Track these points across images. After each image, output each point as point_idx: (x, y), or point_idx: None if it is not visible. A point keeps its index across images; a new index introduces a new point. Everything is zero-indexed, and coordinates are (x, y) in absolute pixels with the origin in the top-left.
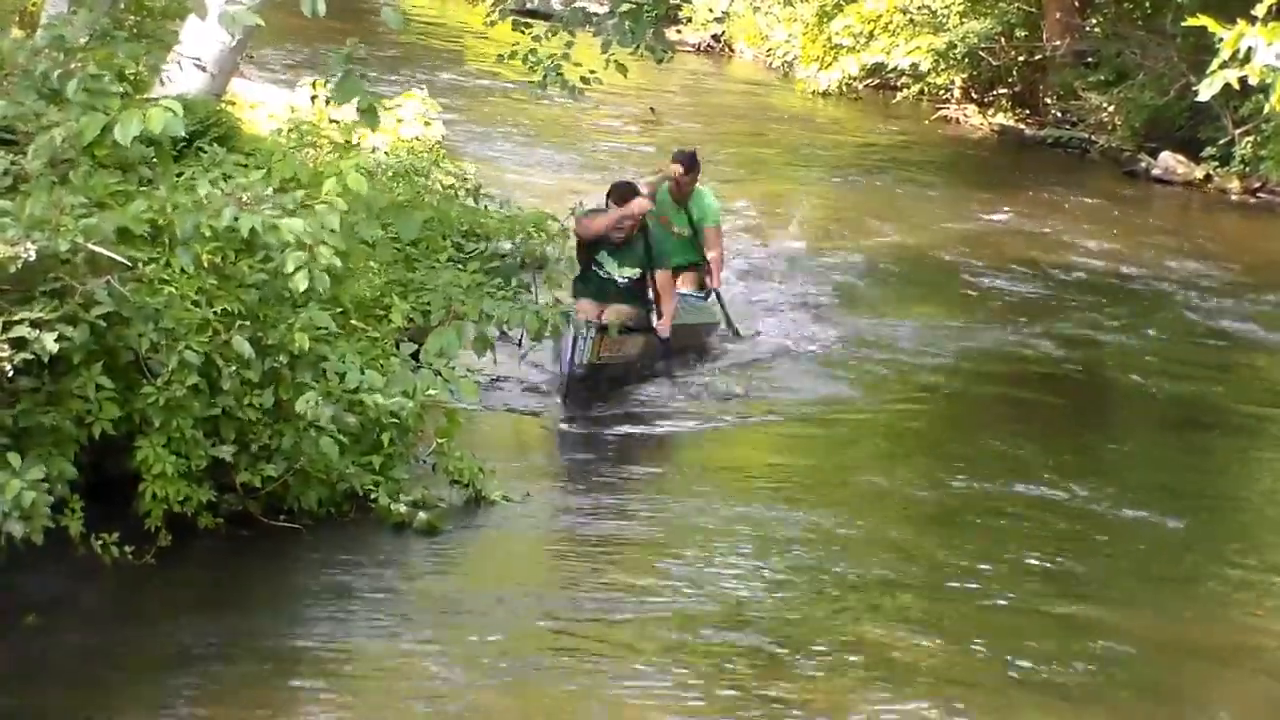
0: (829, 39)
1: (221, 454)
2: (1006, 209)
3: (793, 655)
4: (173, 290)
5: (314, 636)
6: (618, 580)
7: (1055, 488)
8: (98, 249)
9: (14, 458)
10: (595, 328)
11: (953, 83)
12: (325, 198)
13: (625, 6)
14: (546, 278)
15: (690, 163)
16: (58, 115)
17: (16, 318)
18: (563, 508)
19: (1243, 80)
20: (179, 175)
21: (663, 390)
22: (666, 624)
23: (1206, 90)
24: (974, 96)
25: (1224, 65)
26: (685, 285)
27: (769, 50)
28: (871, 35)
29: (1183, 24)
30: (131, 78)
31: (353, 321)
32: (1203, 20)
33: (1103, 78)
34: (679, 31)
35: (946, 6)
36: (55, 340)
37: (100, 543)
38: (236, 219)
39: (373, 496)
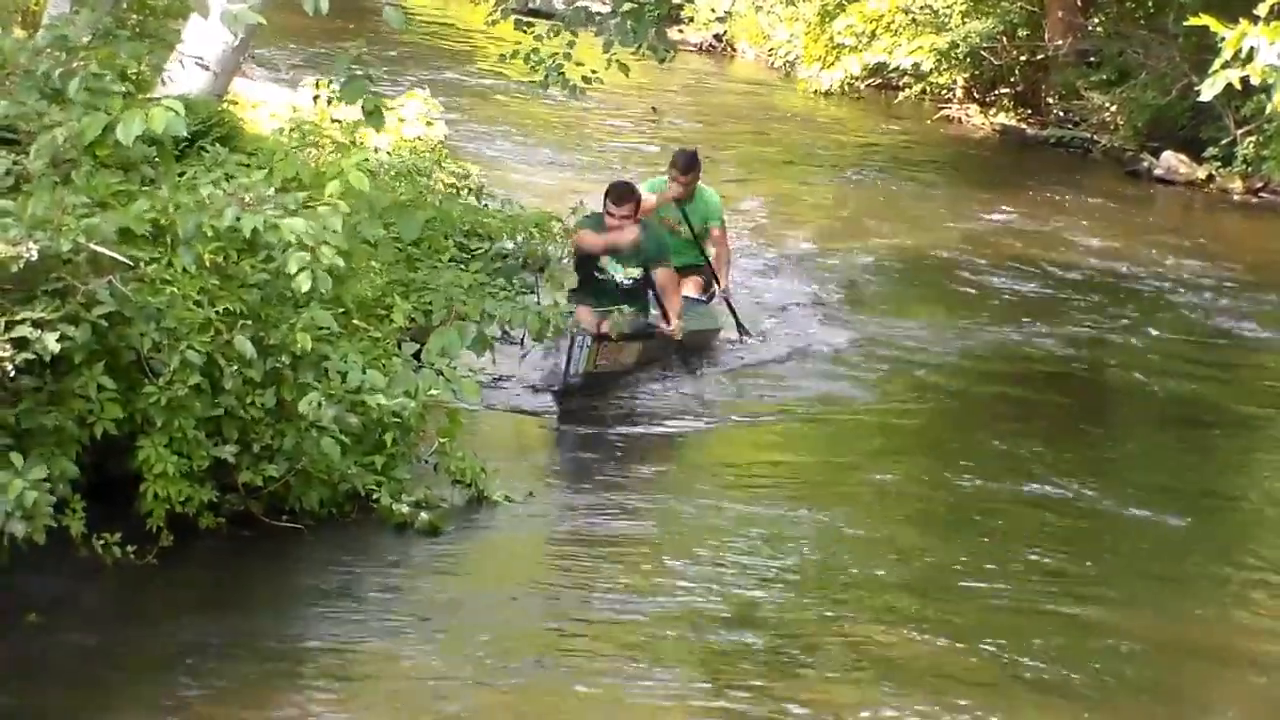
0: (831, 39)
1: (223, 454)
2: (1008, 209)
3: (797, 655)
4: (175, 290)
5: (316, 637)
6: (620, 580)
7: (1058, 487)
8: (100, 249)
9: (16, 457)
10: (592, 337)
11: (955, 82)
12: (328, 198)
13: (627, 6)
14: (548, 277)
15: (691, 162)
16: (60, 115)
17: (18, 317)
18: (565, 508)
19: (1245, 80)
20: (181, 175)
21: (665, 389)
22: (670, 624)
23: (1208, 90)
24: (976, 96)
25: (1226, 65)
26: (688, 289)
27: (771, 50)
28: (873, 35)
29: (1185, 24)
30: (134, 77)
31: (355, 321)
32: (1205, 20)
33: (1105, 77)
34: (681, 31)
35: (948, 6)
36: (57, 340)
37: (102, 543)
38: (239, 219)
39: (375, 497)
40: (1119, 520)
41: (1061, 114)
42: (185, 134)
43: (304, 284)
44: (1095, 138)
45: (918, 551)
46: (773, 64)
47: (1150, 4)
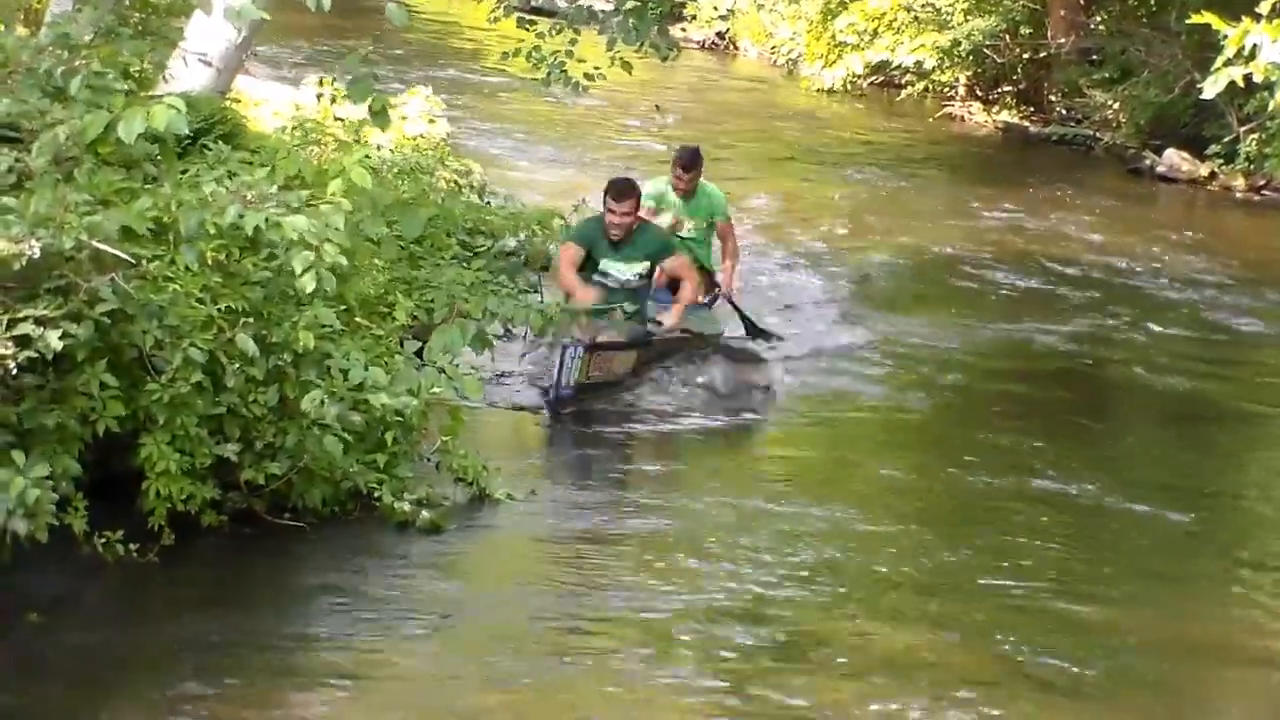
0: (833, 36)
1: (225, 452)
2: (1011, 206)
3: (802, 651)
4: (177, 288)
5: (318, 635)
6: (624, 578)
7: (1063, 484)
8: (102, 246)
9: (18, 455)
10: (584, 347)
11: (957, 80)
12: (330, 196)
13: (630, 4)
14: (551, 275)
15: (693, 159)
16: (62, 113)
17: (21, 315)
18: (568, 505)
19: (1247, 78)
20: (183, 173)
21: (668, 386)
22: (676, 621)
23: (1211, 88)
24: (979, 94)
25: (1228, 62)
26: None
27: (773, 48)
28: (876, 33)
29: (1187, 21)
30: (136, 75)
31: (357, 319)
32: (1207, 17)
33: (1107, 75)
34: (683, 29)
35: (951, 4)
36: (60, 338)
37: (104, 541)
38: (241, 216)
39: (377, 495)
40: (1123, 517)
41: (1064, 112)
42: (187, 132)
43: (309, 284)
44: (1098, 135)
45: (923, 549)
46: (775, 62)
47: (1152, 2)
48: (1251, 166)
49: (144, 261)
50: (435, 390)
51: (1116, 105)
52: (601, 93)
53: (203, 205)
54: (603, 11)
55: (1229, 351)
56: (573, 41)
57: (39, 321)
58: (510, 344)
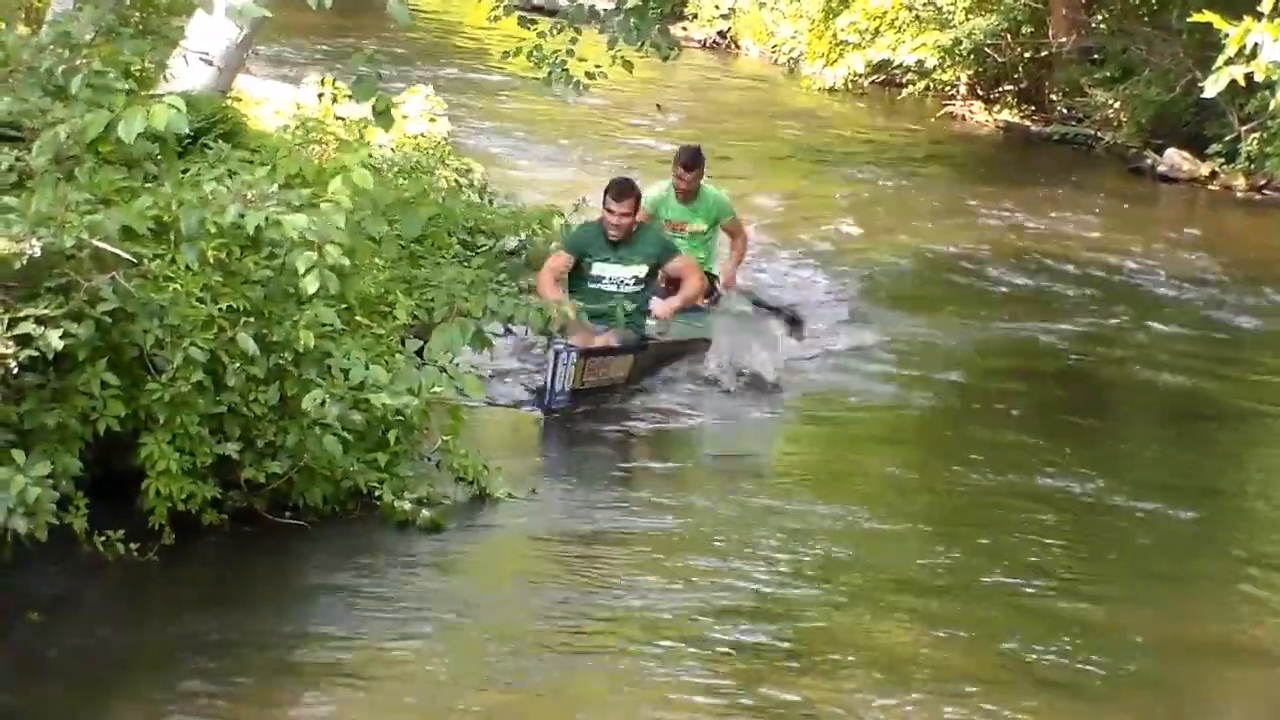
0: (834, 35)
1: (226, 451)
2: (1012, 206)
3: (806, 651)
4: (178, 287)
5: (318, 634)
6: (626, 577)
7: (1067, 483)
8: (103, 245)
9: (19, 454)
10: (578, 352)
11: (958, 79)
12: (331, 195)
13: (631, 3)
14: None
15: (694, 158)
16: (63, 112)
17: (22, 314)
18: (568, 504)
19: (1248, 77)
20: (184, 172)
21: (671, 385)
22: (679, 620)
23: (1212, 87)
24: (980, 93)
25: (1230, 61)
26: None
27: (774, 46)
28: (877, 32)
29: (1188, 20)
30: (137, 74)
31: (358, 318)
32: (1208, 16)
33: (1108, 74)
34: (684, 28)
35: (952, 3)
36: (60, 337)
37: (104, 539)
38: (242, 215)
39: (377, 494)
40: (1125, 516)
41: (1065, 111)
42: (187, 131)
43: (312, 285)
44: (1099, 134)
45: (926, 547)
46: (776, 61)
47: (1154, 1)
48: (1252, 166)
49: (145, 260)
50: (436, 389)
51: (1118, 104)
52: (602, 92)
53: (203, 204)
54: (604, 10)
55: (1230, 350)
56: (574, 40)
57: (40, 320)
58: (509, 340)
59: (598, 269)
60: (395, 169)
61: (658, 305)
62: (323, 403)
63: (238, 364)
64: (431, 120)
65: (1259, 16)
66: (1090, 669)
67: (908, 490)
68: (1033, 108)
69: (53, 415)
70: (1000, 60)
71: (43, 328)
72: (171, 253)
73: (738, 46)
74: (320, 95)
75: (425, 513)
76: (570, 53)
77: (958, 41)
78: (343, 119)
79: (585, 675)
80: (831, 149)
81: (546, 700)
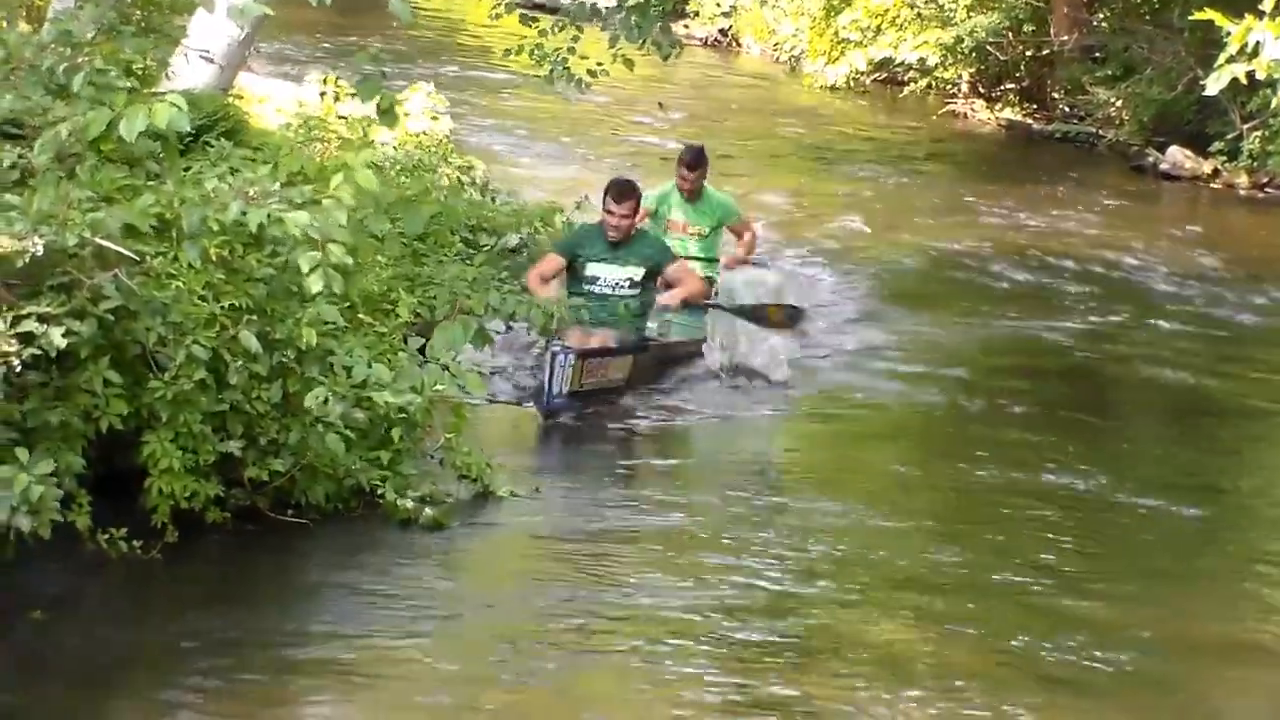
0: (836, 33)
1: (229, 449)
2: (1014, 204)
3: (811, 649)
4: (180, 285)
5: (321, 632)
6: (629, 575)
7: (1071, 482)
8: (105, 243)
9: (22, 452)
10: (575, 354)
11: (960, 77)
12: (333, 193)
13: (632, 1)
14: None
15: (698, 158)
16: (64, 110)
17: (24, 312)
18: (571, 502)
19: (1250, 75)
20: (186, 170)
21: (674, 383)
22: (682, 619)
23: (1214, 85)
24: (981, 91)
25: (1231, 60)
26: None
27: (776, 45)
28: (879, 30)
29: (1190, 18)
30: (138, 72)
31: (360, 316)
32: (1210, 14)
33: (1110, 72)
34: (686, 26)
35: (954, 1)
36: (63, 335)
37: (107, 538)
38: (244, 213)
39: (380, 492)
40: (1129, 514)
41: (1067, 109)
42: (189, 129)
43: (316, 285)
44: (1101, 133)
45: (931, 545)
46: (778, 59)
47: None
48: (1254, 164)
49: (147, 258)
50: (438, 387)
51: (1119, 102)
52: (604, 90)
53: (205, 202)
54: (605, 8)
55: (1233, 348)
56: (575, 38)
57: (42, 319)
58: (515, 341)
59: (592, 269)
60: (397, 167)
61: (663, 296)
62: (325, 400)
63: (240, 362)
64: (433, 118)
65: (1260, 14)
66: (1094, 667)
67: (912, 488)
68: (1035, 106)
69: (55, 413)
70: (1002, 58)
71: (45, 326)
72: (174, 250)
73: (739, 44)
74: (322, 93)
75: (428, 511)
76: (572, 50)
77: (959, 39)
78: (345, 117)
79: (591, 673)
80: (833, 147)
81: (553, 699)
